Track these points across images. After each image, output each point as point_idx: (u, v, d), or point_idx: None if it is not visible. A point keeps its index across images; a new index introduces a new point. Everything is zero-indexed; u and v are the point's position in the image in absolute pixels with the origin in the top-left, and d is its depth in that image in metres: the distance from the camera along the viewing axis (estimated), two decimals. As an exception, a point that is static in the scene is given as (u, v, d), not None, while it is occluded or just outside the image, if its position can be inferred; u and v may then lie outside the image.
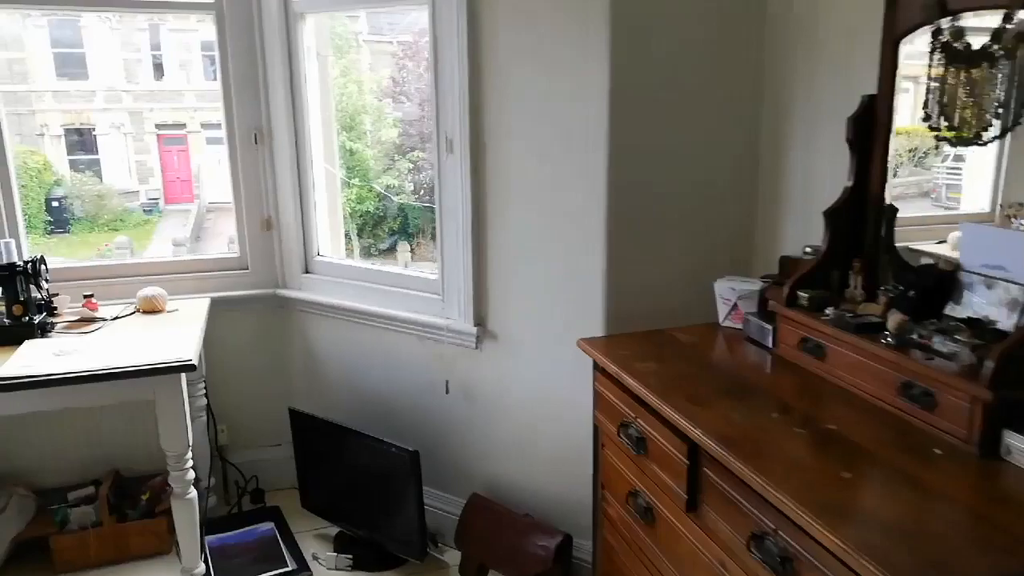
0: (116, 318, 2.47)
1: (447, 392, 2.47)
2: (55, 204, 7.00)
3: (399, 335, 2.56)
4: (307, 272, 2.83)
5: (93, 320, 2.43)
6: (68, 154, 8.16)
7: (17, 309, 2.23)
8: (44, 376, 1.94)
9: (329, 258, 2.82)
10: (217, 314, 2.67)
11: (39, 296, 2.30)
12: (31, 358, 2.06)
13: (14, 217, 2.62)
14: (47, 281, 2.35)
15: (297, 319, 2.88)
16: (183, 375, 2.07)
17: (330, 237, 2.87)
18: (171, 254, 6.83)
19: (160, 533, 2.62)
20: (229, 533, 2.73)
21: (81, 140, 8.28)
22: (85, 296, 2.55)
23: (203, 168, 8.00)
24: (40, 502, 2.65)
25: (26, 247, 2.67)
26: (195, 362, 2.05)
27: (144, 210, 7.89)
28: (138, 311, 2.55)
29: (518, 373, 2.30)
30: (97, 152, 8.25)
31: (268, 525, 2.78)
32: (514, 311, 2.27)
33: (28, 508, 2.61)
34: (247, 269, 2.87)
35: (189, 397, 2.14)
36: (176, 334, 2.26)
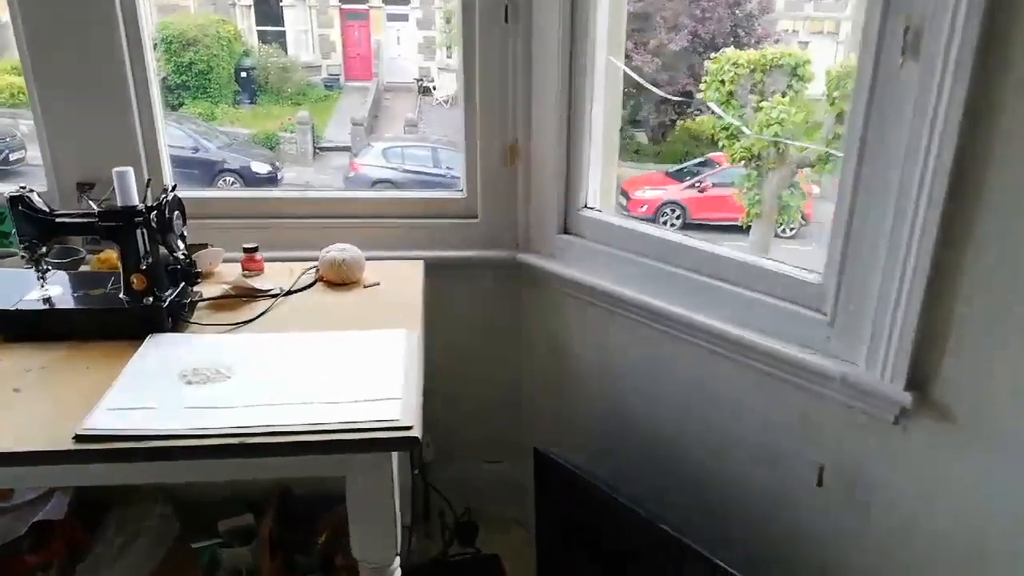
0: (288, 293, 1.59)
1: (819, 484, 1.43)
2: (243, 75, 6.88)
3: (729, 364, 1.52)
4: (566, 232, 1.82)
5: (253, 295, 1.56)
6: (256, 25, 7.93)
7: (137, 281, 1.38)
8: (157, 441, 1.07)
9: (603, 215, 1.79)
10: (426, 280, 1.72)
11: (173, 256, 1.43)
12: (147, 387, 1.20)
13: (152, 127, 1.77)
14: (184, 229, 1.47)
15: (544, 301, 1.90)
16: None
17: (600, 184, 1.82)
18: (349, 134, 6.56)
19: (336, 593, 1.82)
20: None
21: (268, 11, 7.95)
22: (246, 250, 1.68)
23: (383, 46, 7.45)
24: (181, 523, 1.91)
25: (167, 172, 1.83)
26: (417, 429, 1.11)
27: (325, 85, 7.62)
28: (320, 280, 1.66)
29: (987, 488, 1.21)
30: (283, 24, 7.92)
31: (485, 594, 1.92)
32: (1005, 378, 1.16)
33: (168, 533, 1.88)
34: (475, 219, 1.90)
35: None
36: (381, 346, 1.34)
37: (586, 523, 1.69)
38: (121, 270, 1.40)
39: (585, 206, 1.80)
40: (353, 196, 1.96)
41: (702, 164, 6.10)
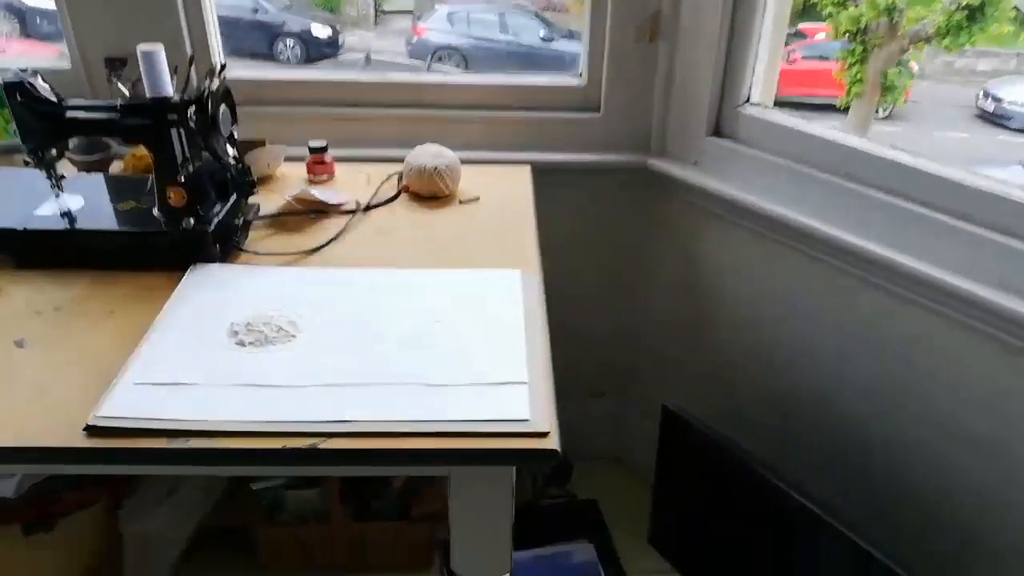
0: (367, 208, 1.24)
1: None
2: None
3: (944, 323, 1.14)
4: (717, 134, 1.42)
5: (322, 210, 1.22)
6: None
7: (175, 196, 1.05)
8: (198, 440, 0.77)
9: (771, 115, 1.37)
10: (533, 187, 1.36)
11: (220, 162, 1.09)
12: (186, 350, 0.90)
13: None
14: (234, 128, 1.13)
15: (679, 221, 1.52)
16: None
17: (765, 72, 1.39)
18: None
19: (417, 545, 1.59)
20: (528, 553, 1.66)
21: None
22: (313, 150, 1.33)
23: None
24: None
25: (216, 45, 1.46)
26: (554, 436, 0.79)
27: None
28: (405, 191, 1.31)
29: None
30: None
31: (586, 550, 1.66)
32: None
33: (218, 481, 1.65)
34: (597, 112, 1.49)
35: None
36: (493, 295, 1.01)
37: (714, 488, 1.38)
38: (154, 181, 1.07)
39: (747, 101, 1.38)
40: (440, 81, 1.56)
41: (792, 35, 5.51)
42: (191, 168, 1.06)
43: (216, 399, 0.81)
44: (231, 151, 1.11)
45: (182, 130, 1.04)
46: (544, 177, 1.40)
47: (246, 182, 1.14)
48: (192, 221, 1.04)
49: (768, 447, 1.31)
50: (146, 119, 1.02)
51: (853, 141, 1.23)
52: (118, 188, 1.19)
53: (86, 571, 1.45)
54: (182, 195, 1.05)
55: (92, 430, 0.77)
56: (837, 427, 1.35)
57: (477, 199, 1.28)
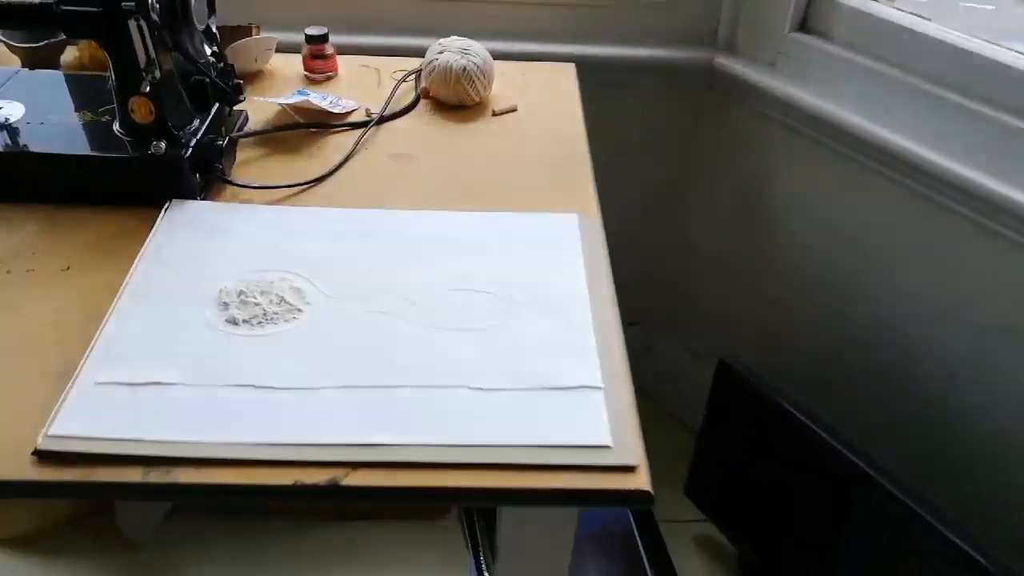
0: (381, 120, 1.01)
1: None
2: None
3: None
4: (803, 30, 1.17)
5: (325, 123, 0.99)
6: None
7: (139, 110, 0.82)
8: (180, 470, 0.59)
9: (876, 7, 1.11)
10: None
11: (196, 64, 0.85)
12: (162, 329, 0.70)
13: None
14: (212, 20, 0.88)
15: (749, 134, 1.29)
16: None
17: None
18: None
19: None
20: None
21: None
22: (311, 39, 1.08)
23: None
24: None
25: None
26: (643, 471, 0.61)
27: None
28: (425, 95, 1.07)
29: None
30: None
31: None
32: None
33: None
34: (658, -3, 1.23)
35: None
36: (547, 249, 0.81)
37: (766, 445, 1.25)
38: (114, 90, 0.84)
39: (848, -10, 1.12)
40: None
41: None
42: (158, 73, 0.82)
43: (205, 408, 0.62)
44: (208, 49, 0.86)
45: (143, 22, 0.79)
46: (588, 75, 1.16)
47: (230, 87, 0.90)
48: (163, 145, 0.81)
49: (828, 408, 1.16)
50: (93, 6, 0.78)
51: (987, 50, 0.99)
52: (71, 90, 0.95)
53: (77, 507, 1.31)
54: (148, 108, 0.82)
55: (43, 455, 0.58)
56: (918, 392, 1.18)
57: (514, 109, 1.05)
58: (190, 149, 0.83)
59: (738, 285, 1.43)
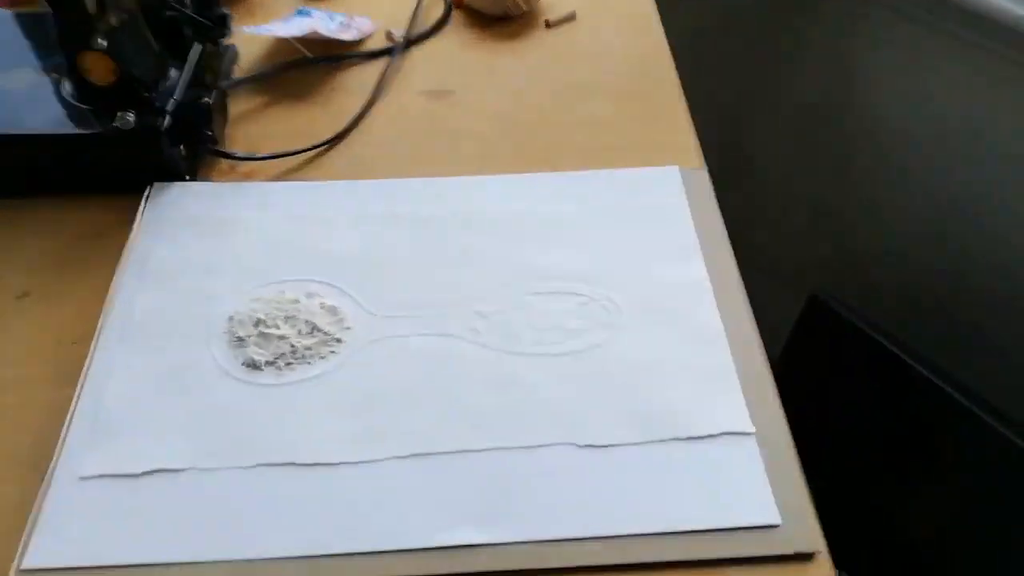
0: (407, 44, 0.79)
1: None
2: None
3: None
4: None
5: (338, 53, 0.77)
6: None
7: (98, 69, 0.61)
8: (213, 609, 0.43)
9: None
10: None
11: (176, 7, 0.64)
12: (158, 381, 0.53)
13: None
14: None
15: (845, 22, 1.06)
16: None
17: None
18: None
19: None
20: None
21: None
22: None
23: None
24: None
25: None
26: (827, 563, 0.45)
27: None
28: (457, 5, 0.84)
29: None
30: None
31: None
32: None
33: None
34: None
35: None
36: (647, 220, 0.63)
37: (858, 386, 1.10)
38: (60, 44, 0.63)
39: None
40: None
41: None
42: (114, 18, 0.61)
43: (233, 506, 0.46)
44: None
45: (83, -51, 0.57)
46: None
47: (213, 20, 0.69)
48: (132, 117, 0.61)
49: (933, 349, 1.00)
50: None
51: None
52: (4, 37, 0.74)
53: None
54: (107, 67, 0.62)
55: (23, 590, 0.43)
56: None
57: (572, 17, 0.83)
58: (168, 116, 0.63)
59: (814, 208, 1.24)
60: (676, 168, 0.65)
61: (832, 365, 1.12)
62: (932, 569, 1.06)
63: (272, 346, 0.54)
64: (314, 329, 0.55)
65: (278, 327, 0.55)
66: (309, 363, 0.53)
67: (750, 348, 0.54)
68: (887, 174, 1.11)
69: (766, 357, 0.53)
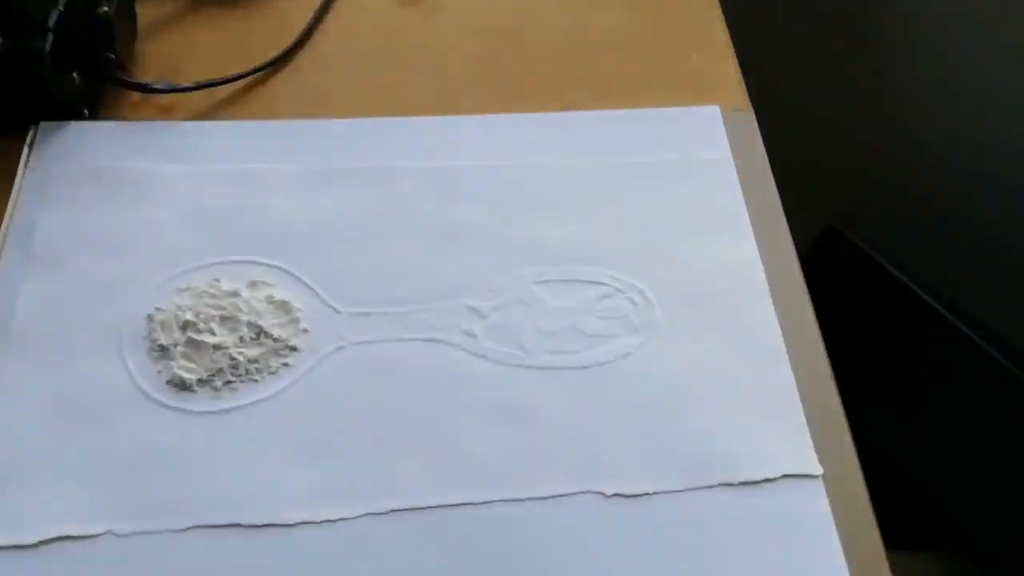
0: None
1: None
2: None
3: None
4: None
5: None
6: None
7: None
8: None
9: None
10: None
11: None
12: (55, 397, 0.41)
13: None
14: None
15: None
16: None
17: None
18: None
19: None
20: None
21: None
22: None
23: None
24: None
25: None
26: None
27: None
28: None
29: None
30: None
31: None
32: None
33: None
34: None
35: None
36: (684, 173, 0.50)
37: (877, 324, 1.02)
38: None
39: None
40: None
41: None
42: None
43: (158, 588, 0.36)
44: None
45: None
46: None
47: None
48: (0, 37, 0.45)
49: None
50: None
51: None
52: None
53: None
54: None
55: None
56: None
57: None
58: (51, 33, 0.47)
59: (832, 136, 1.10)
60: (717, 109, 0.52)
61: (846, 298, 1.03)
62: (935, 503, 1.03)
63: (206, 359, 0.41)
64: (260, 333, 0.42)
65: (213, 332, 0.42)
66: (256, 380, 0.41)
67: (815, 360, 0.43)
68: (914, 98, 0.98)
69: (832, 372, 0.43)
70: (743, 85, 0.53)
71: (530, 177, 0.49)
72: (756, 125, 0.51)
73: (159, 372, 0.41)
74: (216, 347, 0.41)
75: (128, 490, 0.38)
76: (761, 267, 0.45)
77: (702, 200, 0.48)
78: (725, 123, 0.51)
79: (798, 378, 0.42)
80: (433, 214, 0.47)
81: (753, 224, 0.47)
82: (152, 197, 0.47)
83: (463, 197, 0.48)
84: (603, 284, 0.45)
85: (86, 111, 0.50)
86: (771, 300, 0.44)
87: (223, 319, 0.42)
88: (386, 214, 0.47)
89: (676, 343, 0.43)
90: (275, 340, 0.42)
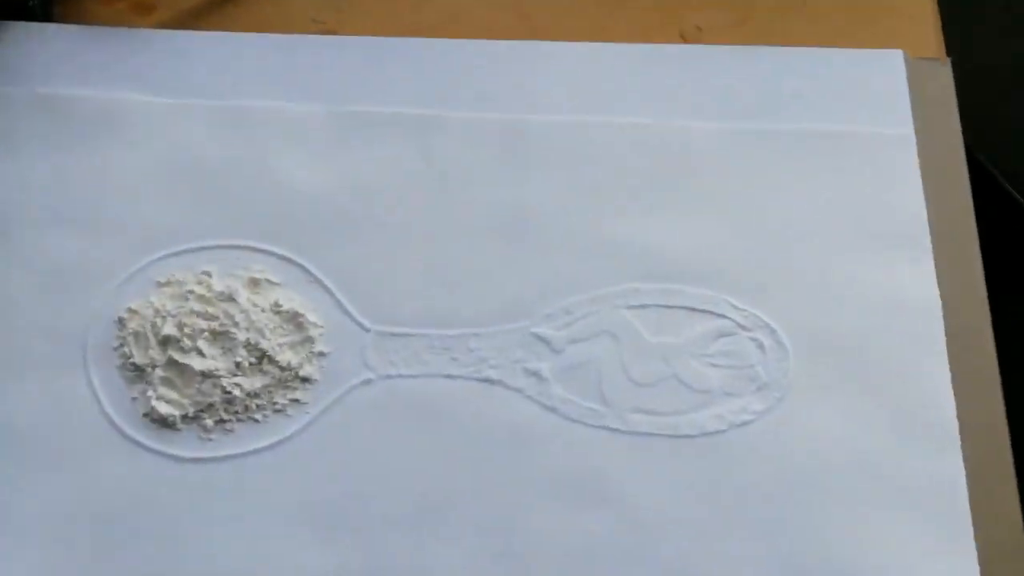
0: None
1: None
2: None
3: None
4: None
5: None
6: None
7: None
8: None
9: None
10: None
11: None
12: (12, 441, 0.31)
13: None
14: None
15: None
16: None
17: None
18: None
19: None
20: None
21: None
22: None
23: None
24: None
25: None
26: None
27: None
28: None
29: None
30: None
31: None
32: None
33: None
34: None
35: None
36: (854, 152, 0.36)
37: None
38: None
39: None
40: None
41: None
42: None
43: None
44: None
45: None
46: None
47: None
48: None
49: None
50: None
51: None
52: None
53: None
54: None
55: None
56: None
57: None
58: None
59: None
60: (900, 55, 0.37)
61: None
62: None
63: (192, 388, 0.32)
64: (263, 358, 0.32)
65: (201, 352, 0.32)
66: (256, 421, 0.32)
67: (996, 449, 0.32)
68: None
69: (1015, 470, 0.32)
70: (938, 21, 0.38)
71: (630, 143, 0.36)
72: (952, 86, 0.36)
73: (134, 399, 0.32)
74: (205, 375, 0.31)
75: (91, 563, 0.29)
76: (940, 308, 0.33)
77: (867, 200, 0.35)
78: (909, 78, 0.36)
79: (972, 476, 0.31)
80: (496, 192, 0.35)
81: (933, 242, 0.34)
82: (121, 143, 0.35)
83: (535, 168, 0.35)
84: (721, 316, 0.33)
85: (35, 2, 0.37)
86: (947, 361, 0.32)
87: (215, 335, 0.32)
88: (435, 187, 0.35)
89: (814, 411, 0.32)
90: (282, 368, 0.32)
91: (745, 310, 0.33)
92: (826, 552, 0.30)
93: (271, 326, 0.32)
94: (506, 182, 0.35)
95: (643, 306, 0.33)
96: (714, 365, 0.32)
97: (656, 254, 0.34)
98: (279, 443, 0.31)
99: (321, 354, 0.32)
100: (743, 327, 0.33)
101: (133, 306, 0.32)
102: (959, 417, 0.32)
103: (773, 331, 0.33)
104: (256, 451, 0.31)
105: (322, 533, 0.30)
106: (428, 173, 0.35)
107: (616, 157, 0.35)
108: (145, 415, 0.31)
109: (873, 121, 0.36)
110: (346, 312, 0.33)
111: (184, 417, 0.31)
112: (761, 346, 0.33)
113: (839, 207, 0.35)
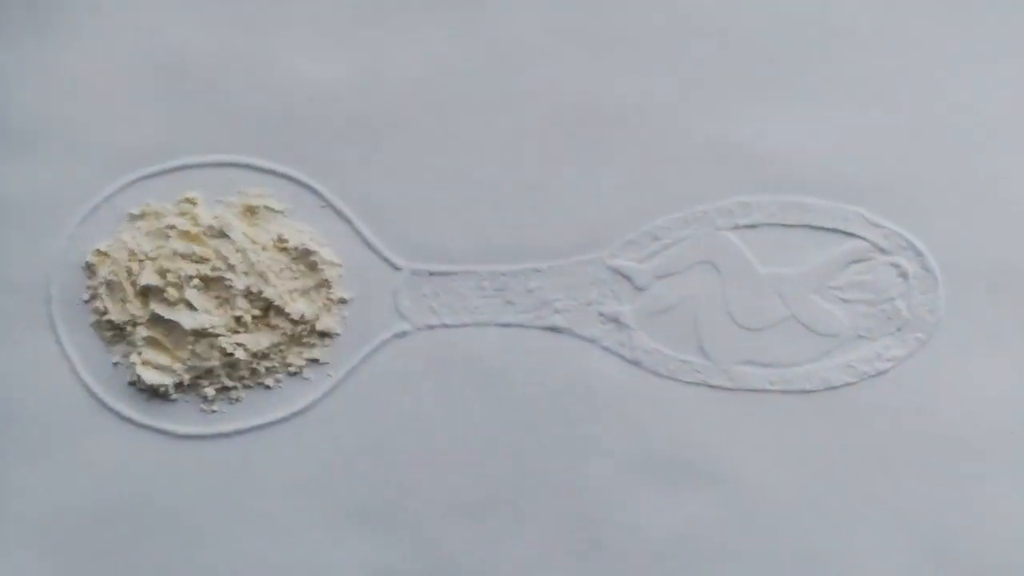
0: None
1: None
2: None
3: None
4: None
5: None
6: None
7: None
8: None
9: None
10: None
11: None
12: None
13: None
14: None
15: None
16: None
17: None
18: None
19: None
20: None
21: None
22: None
23: None
24: None
25: None
26: None
27: None
28: None
29: None
30: None
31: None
32: None
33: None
34: None
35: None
36: None
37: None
38: None
39: None
40: None
41: None
42: None
43: None
44: None
45: None
46: None
47: None
48: None
49: None
50: None
51: None
52: None
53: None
54: None
55: None
56: None
57: None
58: None
59: None
60: None
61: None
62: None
63: (184, 350, 0.25)
64: (270, 309, 0.25)
65: (190, 304, 0.25)
66: (268, 388, 0.26)
67: None
68: None
69: None
70: None
71: (743, 12, 0.27)
72: None
73: (115, 364, 0.25)
74: (199, 333, 0.25)
75: (79, 551, 0.24)
76: None
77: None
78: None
79: None
80: (562, 83, 0.27)
81: None
82: (74, 34, 0.27)
83: (616, 48, 0.27)
84: (853, 236, 0.26)
85: None
86: None
87: (206, 282, 0.25)
88: (482, 80, 0.27)
89: (967, 358, 0.25)
90: (294, 321, 0.25)
91: (884, 227, 0.25)
92: (980, 534, 0.24)
93: (276, 268, 0.25)
94: (576, 69, 0.26)
95: (753, 226, 0.26)
96: (843, 300, 0.25)
97: (776, 158, 0.26)
98: (296, 414, 0.25)
99: (342, 301, 0.26)
100: (881, 250, 0.25)
101: (102, 247, 0.26)
102: None
103: (920, 254, 0.25)
104: (268, 425, 0.25)
105: (357, 525, 0.24)
106: (473, 61, 0.27)
107: (724, 31, 0.27)
108: (131, 383, 0.25)
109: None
110: (371, 247, 0.26)
111: (179, 386, 0.25)
112: (904, 274, 0.25)
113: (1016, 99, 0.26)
